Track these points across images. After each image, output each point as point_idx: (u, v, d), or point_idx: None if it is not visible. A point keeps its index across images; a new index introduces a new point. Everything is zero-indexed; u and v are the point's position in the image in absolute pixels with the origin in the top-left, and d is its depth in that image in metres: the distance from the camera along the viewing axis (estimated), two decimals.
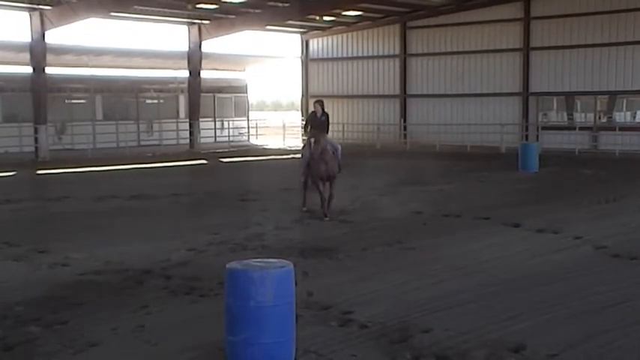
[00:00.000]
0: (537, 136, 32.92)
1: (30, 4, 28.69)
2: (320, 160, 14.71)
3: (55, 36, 30.17)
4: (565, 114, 34.64)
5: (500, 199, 17.46)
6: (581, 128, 32.50)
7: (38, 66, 29.36)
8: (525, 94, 34.02)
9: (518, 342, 6.88)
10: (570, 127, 32.91)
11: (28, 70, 29.67)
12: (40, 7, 28.99)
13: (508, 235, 12.54)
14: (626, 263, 10.28)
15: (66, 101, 35.19)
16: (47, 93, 30.17)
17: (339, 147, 15.46)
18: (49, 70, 29.95)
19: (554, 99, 34.65)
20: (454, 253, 11.03)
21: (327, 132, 15.53)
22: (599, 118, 33.25)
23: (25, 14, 29.31)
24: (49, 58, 29.72)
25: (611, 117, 33.41)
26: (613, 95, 32.83)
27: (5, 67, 32.47)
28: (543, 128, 33.54)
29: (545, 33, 33.27)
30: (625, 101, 33.38)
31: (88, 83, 35.24)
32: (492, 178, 21.94)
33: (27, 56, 29.45)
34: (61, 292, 8.82)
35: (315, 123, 15.42)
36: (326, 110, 15.76)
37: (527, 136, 33.34)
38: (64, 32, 31.23)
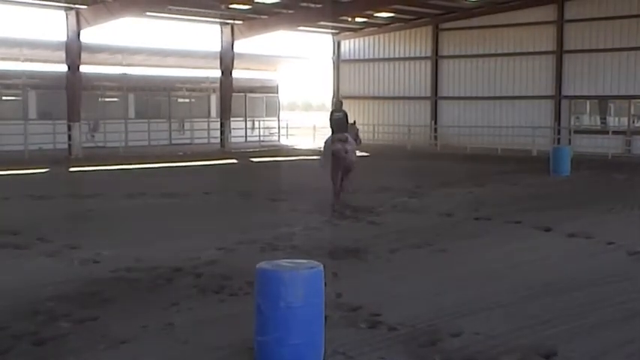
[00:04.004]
0: (569, 140, 32.64)
1: (66, 3, 29.01)
2: (338, 156, 16.17)
3: (90, 35, 30.48)
4: (598, 118, 34.31)
5: (531, 202, 17.31)
6: (614, 132, 32.19)
7: (73, 64, 29.64)
8: (558, 97, 33.75)
9: (548, 348, 6.82)
10: (603, 131, 32.61)
11: (63, 68, 29.96)
12: (76, 6, 29.27)
13: (539, 240, 12.44)
14: None
15: (99, 99, 35.52)
16: (81, 91, 30.43)
17: (354, 142, 16.83)
18: (83, 68, 30.23)
19: (587, 102, 34.31)
20: (484, 257, 10.97)
21: (345, 130, 16.83)
22: (633, 122, 32.86)
23: (62, 13, 29.61)
24: (84, 56, 29.99)
25: None
26: None
27: (41, 64, 32.85)
28: (576, 132, 33.26)
29: (579, 36, 32.99)
30: None
31: (121, 82, 35.53)
32: (523, 182, 21.78)
33: (62, 54, 29.75)
34: (92, 288, 8.89)
35: (333, 121, 16.96)
36: (344, 109, 17.43)
37: (559, 140, 33.06)
38: (99, 31, 31.59)
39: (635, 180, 22.40)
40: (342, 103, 18.25)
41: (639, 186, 20.99)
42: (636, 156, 30.49)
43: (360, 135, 18.63)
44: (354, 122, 18.03)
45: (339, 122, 16.91)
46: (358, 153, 18.10)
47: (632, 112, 32.95)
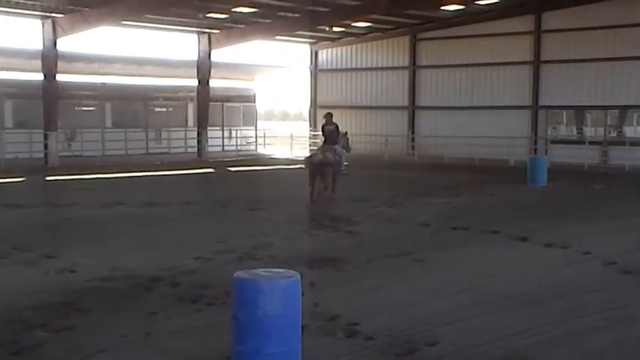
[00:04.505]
0: (546, 150, 32.86)
1: (43, 12, 28.85)
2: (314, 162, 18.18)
3: (66, 43, 30.32)
4: (575, 128, 34.57)
5: (508, 212, 17.42)
6: (590, 142, 32.45)
7: (49, 73, 29.48)
8: (535, 107, 33.97)
9: (525, 357, 6.86)
10: (580, 142, 32.87)
11: (40, 77, 29.79)
12: (52, 15, 29.12)
13: (516, 249, 12.51)
14: (635, 280, 10.22)
15: (76, 108, 35.33)
16: (58, 100, 30.28)
17: (343, 152, 19.19)
18: (60, 77, 30.07)
19: (564, 113, 34.55)
20: (462, 266, 11.02)
21: (336, 141, 19.18)
22: (609, 132, 33.15)
23: (38, 22, 29.44)
24: (60, 65, 29.84)
25: (621, 131, 33.29)
26: (623, 110, 32.74)
27: (17, 73, 32.63)
28: (552, 142, 33.49)
29: (556, 46, 33.24)
30: (635, 116, 33.24)
31: (98, 91, 35.39)
32: (501, 192, 21.90)
33: (38, 63, 29.56)
34: (69, 297, 8.84)
35: (325, 133, 19.45)
36: (334, 121, 19.66)
37: (536, 150, 33.28)
38: (76, 40, 31.47)
39: (612, 190, 22.59)
40: (332, 115, 20.12)
41: (615, 196, 21.17)
42: (612, 166, 30.73)
43: (350, 144, 20.81)
44: (346, 132, 20.35)
45: (331, 134, 19.35)
46: (346, 163, 20.34)
47: (609, 122, 33.23)
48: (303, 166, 19.51)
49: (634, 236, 13.94)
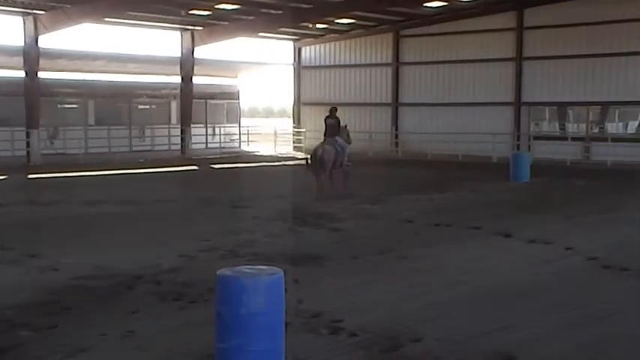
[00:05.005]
0: (529, 146, 32.96)
1: (24, 8, 28.67)
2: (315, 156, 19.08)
3: (48, 40, 30.15)
4: (557, 124, 34.73)
5: (491, 208, 17.47)
6: (573, 139, 32.61)
7: (31, 70, 29.32)
8: (517, 103, 34.07)
9: (508, 353, 6.88)
10: (562, 138, 33.03)
11: (21, 74, 29.62)
12: (34, 11, 28.96)
13: (499, 246, 12.55)
14: (616, 275, 10.28)
15: (58, 106, 35.15)
16: (40, 97, 30.11)
17: (347, 146, 19.89)
18: (42, 74, 29.91)
19: (547, 109, 34.71)
20: (445, 263, 11.04)
21: (336, 133, 19.91)
22: (591, 128, 33.32)
23: (19, 19, 29.27)
24: (42, 62, 29.68)
25: (603, 127, 33.44)
26: (605, 106, 32.93)
27: None
28: (535, 138, 33.61)
29: (538, 43, 33.36)
30: (617, 112, 33.48)
31: (80, 88, 35.19)
32: (484, 188, 21.97)
33: (20, 60, 29.41)
34: (51, 296, 8.80)
35: (327, 126, 20.49)
36: (338, 116, 20.80)
37: (518, 146, 33.37)
38: (58, 37, 31.26)
39: (594, 186, 22.69)
40: (336, 109, 21.05)
41: (597, 192, 21.27)
42: (595, 162, 30.87)
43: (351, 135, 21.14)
44: (346, 125, 20.73)
45: (332, 127, 20.23)
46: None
47: (590, 118, 33.42)
48: (305, 163, 20.12)
49: (615, 231, 14.06)
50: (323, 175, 19.00)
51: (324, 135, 20.31)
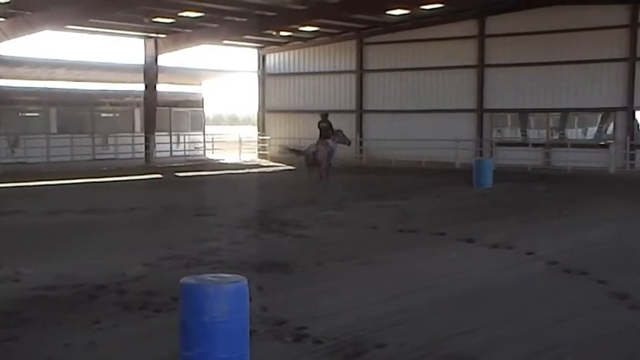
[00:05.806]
0: (491, 152, 33.27)
1: None
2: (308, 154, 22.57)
3: (8, 48, 29.84)
4: (519, 130, 35.10)
5: (455, 214, 17.61)
6: (534, 145, 32.97)
7: None
8: (480, 110, 34.38)
9: (471, 356, 6.95)
10: (524, 144, 33.37)
11: None
12: None
13: (463, 251, 12.65)
14: (576, 279, 10.42)
15: (19, 114, 34.77)
16: (0, 106, 29.77)
17: (337, 146, 22.92)
18: (1, 82, 29.58)
19: (508, 116, 35.08)
20: (409, 269, 11.11)
21: (329, 136, 22.68)
22: (552, 134, 33.73)
23: None
24: (2, 70, 29.40)
25: (563, 134, 33.92)
26: (565, 112, 33.40)
27: None
28: (497, 144, 33.92)
29: (500, 50, 33.70)
30: (576, 118, 33.96)
31: (42, 96, 34.82)
32: (447, 194, 22.14)
33: None
34: (11, 307, 8.69)
35: (320, 129, 22.91)
36: (329, 120, 23.23)
37: (481, 152, 33.70)
38: (18, 44, 30.94)
39: (554, 191, 22.96)
40: (327, 115, 23.45)
41: (558, 197, 21.52)
42: (555, 168, 31.25)
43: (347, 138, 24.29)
44: (339, 130, 23.49)
45: (324, 130, 22.79)
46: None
47: (551, 124, 33.84)
48: (291, 155, 24.80)
49: (575, 236, 14.24)
50: (317, 170, 22.22)
51: (319, 137, 22.80)
